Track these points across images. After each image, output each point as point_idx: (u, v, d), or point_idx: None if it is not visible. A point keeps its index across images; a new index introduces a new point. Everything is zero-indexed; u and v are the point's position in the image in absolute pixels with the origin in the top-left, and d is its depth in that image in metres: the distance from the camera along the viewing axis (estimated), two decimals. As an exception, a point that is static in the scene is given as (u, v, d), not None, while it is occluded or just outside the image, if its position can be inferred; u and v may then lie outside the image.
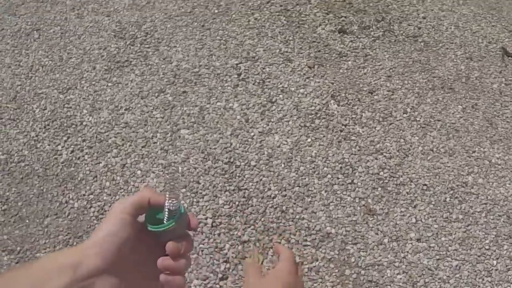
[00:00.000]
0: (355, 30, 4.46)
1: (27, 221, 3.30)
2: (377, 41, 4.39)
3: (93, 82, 4.01)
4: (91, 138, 3.67)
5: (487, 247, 3.27)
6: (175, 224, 0.98)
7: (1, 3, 4.76)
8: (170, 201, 0.98)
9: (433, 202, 3.43)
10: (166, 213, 0.98)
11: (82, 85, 3.99)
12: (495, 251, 3.26)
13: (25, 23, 4.52)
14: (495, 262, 3.22)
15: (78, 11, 4.63)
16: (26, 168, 3.55)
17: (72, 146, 3.63)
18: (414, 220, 3.33)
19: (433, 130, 3.81)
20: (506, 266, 3.20)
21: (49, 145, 3.65)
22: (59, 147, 3.64)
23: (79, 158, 3.58)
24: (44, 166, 3.54)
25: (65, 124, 3.75)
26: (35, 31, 4.45)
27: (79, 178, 3.47)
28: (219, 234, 3.20)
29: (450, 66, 4.26)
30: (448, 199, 3.45)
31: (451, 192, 3.49)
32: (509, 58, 4.41)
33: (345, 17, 4.56)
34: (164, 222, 0.99)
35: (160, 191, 3.34)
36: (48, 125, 3.76)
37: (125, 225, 0.94)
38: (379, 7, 4.72)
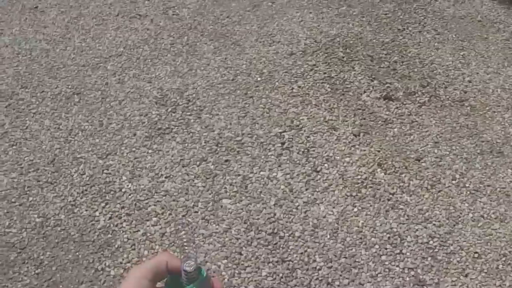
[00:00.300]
0: (400, 97, 4.38)
1: (60, 286, 3.21)
2: (423, 107, 4.30)
3: (133, 149, 3.96)
4: (130, 206, 3.59)
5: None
6: None
7: (42, 65, 4.78)
8: (186, 263, 0.92)
9: (485, 270, 3.28)
10: (185, 276, 0.93)
11: (122, 151, 3.94)
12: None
13: (65, 86, 4.52)
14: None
15: (119, 76, 4.62)
16: (62, 232, 3.47)
17: (110, 213, 3.56)
18: (466, 291, 3.20)
19: (483, 196, 3.68)
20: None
21: (86, 210, 3.58)
22: (97, 213, 3.57)
23: (117, 225, 3.50)
24: (81, 232, 3.46)
25: (103, 190, 3.69)
26: (75, 95, 4.44)
27: (116, 246, 3.38)
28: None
29: (498, 130, 4.15)
30: (500, 266, 3.30)
31: (504, 259, 3.34)
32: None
33: (390, 83, 4.49)
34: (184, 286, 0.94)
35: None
36: (86, 190, 3.70)
37: None
38: (423, 72, 4.64)
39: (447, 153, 3.94)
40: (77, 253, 3.37)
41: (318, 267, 3.24)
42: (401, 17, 5.35)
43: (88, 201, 3.63)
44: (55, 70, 4.70)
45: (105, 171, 3.81)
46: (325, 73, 4.60)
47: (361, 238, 3.40)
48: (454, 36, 5.10)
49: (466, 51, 4.93)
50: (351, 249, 3.34)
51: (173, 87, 4.48)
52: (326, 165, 3.83)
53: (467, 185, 3.74)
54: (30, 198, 3.68)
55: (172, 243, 3.39)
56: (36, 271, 3.29)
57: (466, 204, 3.62)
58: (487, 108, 4.34)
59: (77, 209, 3.60)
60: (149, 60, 4.78)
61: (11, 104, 4.41)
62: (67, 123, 4.18)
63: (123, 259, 3.31)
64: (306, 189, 3.66)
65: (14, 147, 4.03)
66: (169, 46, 4.95)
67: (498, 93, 4.49)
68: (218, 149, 3.94)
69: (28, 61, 4.87)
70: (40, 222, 3.53)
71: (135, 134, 4.07)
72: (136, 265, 0.98)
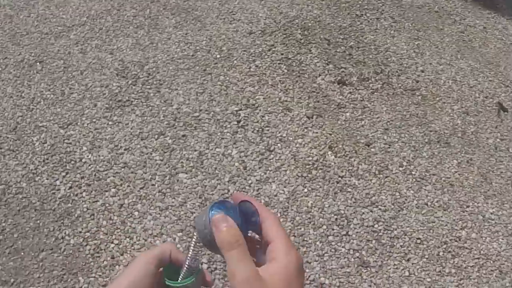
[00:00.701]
0: (354, 82, 4.51)
1: (22, 253, 3.30)
2: (375, 93, 4.45)
3: (94, 120, 4.03)
4: (90, 176, 3.68)
5: (478, 303, 3.31)
6: (195, 281, 1.01)
7: (5, 31, 4.79)
8: (193, 258, 1.00)
9: (426, 256, 3.46)
10: (185, 268, 1.01)
11: (83, 122, 4.01)
12: (486, 307, 3.30)
13: (28, 54, 4.55)
14: (485, 319, 3.26)
15: (82, 46, 4.66)
16: (23, 200, 3.55)
17: (70, 182, 3.64)
18: (407, 274, 3.36)
19: (428, 184, 3.85)
20: (497, 323, 3.25)
21: (47, 179, 3.66)
22: (57, 182, 3.64)
23: (76, 195, 3.58)
24: (42, 200, 3.54)
25: (64, 160, 3.77)
26: (38, 63, 4.47)
27: (76, 215, 3.47)
28: (213, 280, 3.21)
29: (446, 121, 4.32)
30: (441, 253, 3.49)
31: (445, 246, 3.53)
32: (505, 113, 4.48)
33: (344, 68, 4.62)
34: (181, 277, 1.01)
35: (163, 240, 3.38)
36: (47, 159, 3.77)
37: (148, 275, 0.99)
38: (378, 59, 4.78)
39: (396, 140, 4.11)
40: (38, 221, 3.45)
41: (268, 244, 3.38)
42: (360, 2, 5.47)
43: (49, 170, 3.70)
44: (19, 37, 4.72)
45: (65, 141, 3.88)
46: (282, 54, 4.71)
47: (309, 218, 3.55)
48: (410, 25, 5.25)
49: (421, 41, 5.08)
50: (300, 228, 3.49)
51: (134, 59, 4.54)
52: (279, 145, 3.96)
53: (413, 172, 3.91)
54: (-8, 165, 3.75)
55: (130, 215, 3.49)
56: (-2, 238, 3.37)
57: (412, 191, 3.79)
58: (437, 98, 4.51)
59: (38, 177, 3.67)
60: (112, 32, 4.82)
61: (-27, 70, 4.44)
62: (30, 91, 4.22)
63: (82, 229, 3.40)
64: (259, 168, 3.79)
65: (-24, 113, 4.08)
66: (131, 18, 4.99)
67: (449, 85, 4.66)
68: (176, 124, 4.03)
69: (-9, 27, 4.89)
70: (1, 189, 3.59)
71: (95, 105, 4.14)
72: (143, 252, 1.16)
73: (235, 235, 0.90)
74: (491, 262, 3.51)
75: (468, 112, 4.44)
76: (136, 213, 3.49)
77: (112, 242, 3.36)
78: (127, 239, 3.36)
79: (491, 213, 3.77)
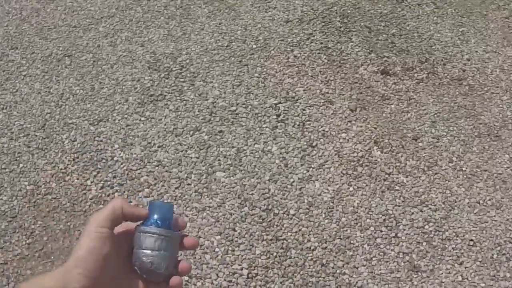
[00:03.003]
0: (398, 72, 4.31)
1: (52, 257, 3.20)
2: (420, 83, 4.25)
3: (125, 116, 3.90)
4: (122, 175, 3.55)
5: (535, 307, 3.13)
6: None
7: (32, 25, 4.68)
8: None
9: (479, 259, 3.26)
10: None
11: (114, 118, 3.88)
12: (543, 311, 3.12)
13: (56, 48, 4.44)
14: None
15: (111, 38, 4.53)
16: (53, 201, 3.44)
17: (101, 182, 3.52)
18: (460, 278, 3.17)
19: (479, 181, 3.65)
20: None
21: (77, 179, 3.54)
22: (88, 182, 3.53)
23: (108, 195, 3.46)
24: (72, 201, 3.43)
25: (95, 158, 3.65)
26: (66, 57, 4.36)
27: (108, 218, 3.33)
28: (255, 287, 3.06)
29: (496, 112, 4.11)
30: (495, 256, 3.29)
31: (498, 248, 3.33)
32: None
33: (387, 57, 4.42)
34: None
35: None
36: (78, 157, 3.66)
37: (104, 240, 0.95)
38: (422, 47, 4.57)
39: (444, 133, 3.90)
40: (69, 223, 3.34)
41: (312, 247, 3.22)
42: (400, -12, 5.28)
43: (80, 169, 3.59)
44: (46, 31, 4.61)
45: (96, 138, 3.76)
46: (321, 43, 4.52)
47: (356, 219, 3.37)
48: (453, 10, 5.02)
49: (465, 27, 4.86)
50: (346, 230, 3.32)
51: (166, 51, 4.40)
52: (321, 140, 3.78)
53: (463, 168, 3.71)
54: (21, 165, 3.63)
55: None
56: (27, 241, 3.26)
57: (463, 189, 3.59)
58: (485, 88, 4.29)
59: (68, 177, 3.55)
60: (142, 23, 4.70)
61: (0, 65, 4.32)
62: (58, 87, 4.10)
63: (114, 232, 3.27)
64: (301, 165, 3.62)
65: (4, 110, 3.96)
66: (162, 9, 4.86)
67: (497, 74, 4.43)
68: (212, 119, 3.88)
69: (18, 21, 4.77)
70: (31, 190, 3.49)
71: (127, 100, 4.01)
72: (94, 213, 1.03)
73: None
74: (549, 264, 3.31)
75: (518, 103, 4.22)
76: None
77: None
78: (163, 242, 3.21)
79: (547, 211, 3.57)
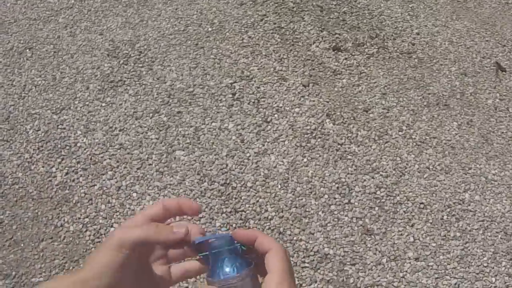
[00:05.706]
0: (349, 48, 4.44)
1: (22, 245, 3.28)
2: (371, 58, 4.38)
3: (87, 103, 3.98)
4: (85, 160, 3.64)
5: (485, 264, 3.28)
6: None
7: (-8, 21, 4.74)
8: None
9: (430, 221, 3.42)
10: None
11: (76, 105, 3.96)
12: (493, 268, 3.26)
13: (17, 41, 4.49)
14: (493, 279, 3.23)
15: (71, 29, 4.59)
16: (20, 190, 3.52)
17: (66, 168, 3.61)
18: (412, 239, 3.32)
19: (429, 147, 3.80)
20: (505, 283, 3.21)
21: (43, 167, 3.62)
22: (53, 169, 3.61)
23: (73, 181, 3.55)
24: (39, 189, 3.51)
25: (59, 146, 3.73)
26: (27, 50, 4.41)
27: (74, 201, 3.44)
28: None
29: (444, 83, 4.25)
30: (445, 217, 3.44)
31: (448, 210, 3.48)
32: (503, 73, 4.40)
33: (339, 34, 4.54)
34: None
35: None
36: (42, 146, 3.73)
37: (123, 259, 0.89)
38: (372, 23, 4.70)
39: (394, 104, 4.04)
40: (36, 211, 3.42)
41: (269, 217, 3.35)
42: (350, -34, 5.38)
43: (45, 157, 3.66)
44: (7, 25, 4.65)
45: (59, 126, 3.83)
46: (275, 23, 4.62)
47: (310, 188, 3.50)
48: (402, -14, 5.16)
49: (415, 3, 4.99)
50: (301, 199, 3.45)
51: (125, 38, 4.48)
52: (276, 115, 3.90)
53: (413, 136, 3.85)
54: (-14, 156, 3.70)
55: (128, 196, 3.46)
56: (-3, 231, 3.34)
57: (412, 156, 3.74)
58: (434, 61, 4.43)
59: (34, 166, 3.63)
60: (100, 12, 4.75)
61: (-38, 60, 4.38)
62: (20, 79, 4.17)
63: (81, 215, 3.37)
64: (257, 140, 3.74)
65: (-33, 104, 4.03)
66: (120, -3, 4.92)
67: (446, 46, 4.57)
68: (170, 101, 3.98)
69: (-23, 16, 4.82)
70: (-3, 181, 3.57)
71: (88, 88, 4.09)
72: (121, 230, 0.93)
73: None
74: (496, 224, 3.46)
75: (466, 73, 4.36)
76: (135, 194, 3.45)
77: (112, 226, 3.33)
78: (127, 221, 3.32)
79: (494, 174, 3.71)
